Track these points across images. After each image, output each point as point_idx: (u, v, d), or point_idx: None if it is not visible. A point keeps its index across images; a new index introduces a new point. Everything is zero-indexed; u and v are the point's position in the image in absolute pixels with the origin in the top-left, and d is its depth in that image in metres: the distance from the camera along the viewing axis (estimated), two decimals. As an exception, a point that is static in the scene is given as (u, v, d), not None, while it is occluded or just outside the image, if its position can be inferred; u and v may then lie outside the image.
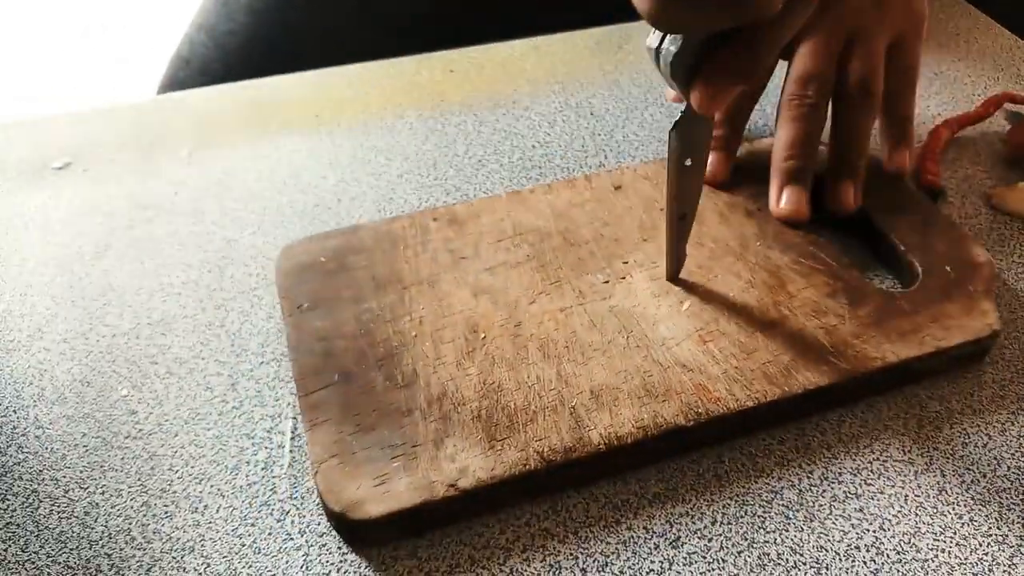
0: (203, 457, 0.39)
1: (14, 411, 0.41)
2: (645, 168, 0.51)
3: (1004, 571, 0.35)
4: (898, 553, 0.36)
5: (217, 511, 0.38)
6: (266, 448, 0.40)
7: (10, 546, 0.36)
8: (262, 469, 0.39)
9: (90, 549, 0.36)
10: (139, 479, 0.39)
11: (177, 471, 0.39)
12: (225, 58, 0.72)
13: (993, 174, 0.54)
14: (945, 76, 0.63)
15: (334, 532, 0.37)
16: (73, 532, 0.37)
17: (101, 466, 0.39)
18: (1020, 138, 0.54)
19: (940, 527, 0.37)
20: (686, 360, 0.40)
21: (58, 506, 0.38)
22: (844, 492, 0.38)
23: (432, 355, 0.41)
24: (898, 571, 0.36)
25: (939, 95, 0.61)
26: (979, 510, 0.38)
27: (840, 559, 0.36)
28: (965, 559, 0.36)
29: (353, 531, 0.36)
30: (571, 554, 0.36)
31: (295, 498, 0.38)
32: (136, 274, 0.48)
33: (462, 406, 0.38)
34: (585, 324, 0.42)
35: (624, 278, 0.45)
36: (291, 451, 0.40)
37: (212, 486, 0.38)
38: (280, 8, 0.72)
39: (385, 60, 0.64)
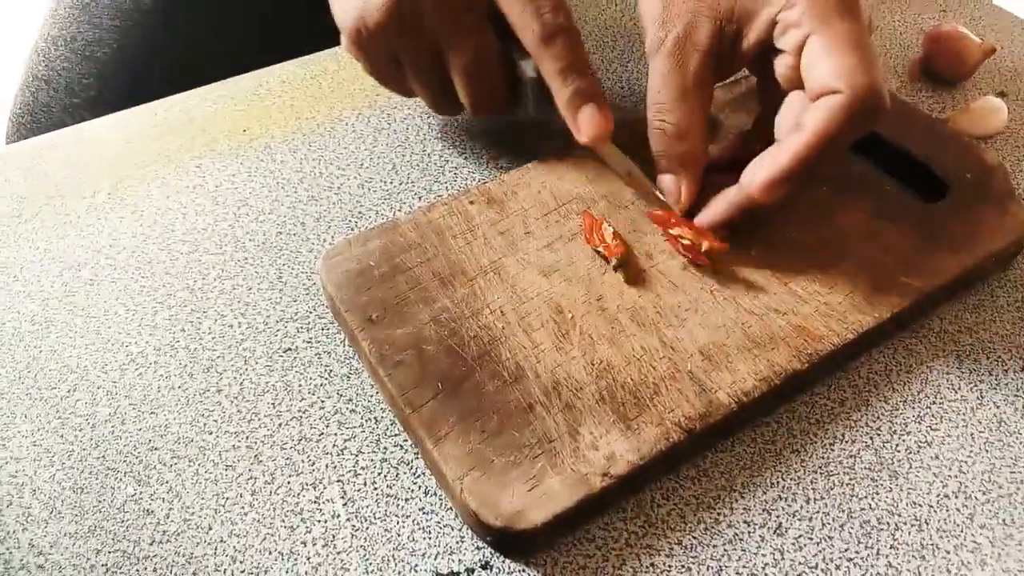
0: (250, 548, 0.35)
1: (0, 540, 0.35)
2: None
3: (1081, 489, 0.37)
4: (984, 493, 0.37)
5: (287, 606, 0.33)
6: (319, 521, 0.35)
7: None
8: (323, 547, 0.35)
9: None
10: (182, 589, 0.33)
11: (226, 570, 0.34)
12: (97, 72, 0.63)
13: (940, 99, 0.56)
14: None
15: (428, 600, 0.33)
16: (124, 670, 0.31)
17: (132, 584, 0.33)
18: (936, 47, 0.56)
19: (1011, 458, 0.38)
20: (776, 304, 0.41)
21: (95, 644, 0.32)
22: (915, 442, 0.38)
23: (528, 344, 0.39)
24: (989, 511, 0.36)
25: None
26: (1039, 434, 0.39)
27: (935, 511, 0.36)
28: (1046, 486, 0.37)
29: (516, 543, 0.34)
30: (732, 508, 0.35)
31: (372, 571, 0.34)
32: (94, 348, 0.41)
33: (580, 391, 0.37)
34: (665, 286, 0.41)
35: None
36: (349, 518, 0.35)
37: (272, 579, 0.34)
38: (158, 9, 0.63)
39: (301, 58, 0.58)
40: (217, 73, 0.56)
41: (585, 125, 0.43)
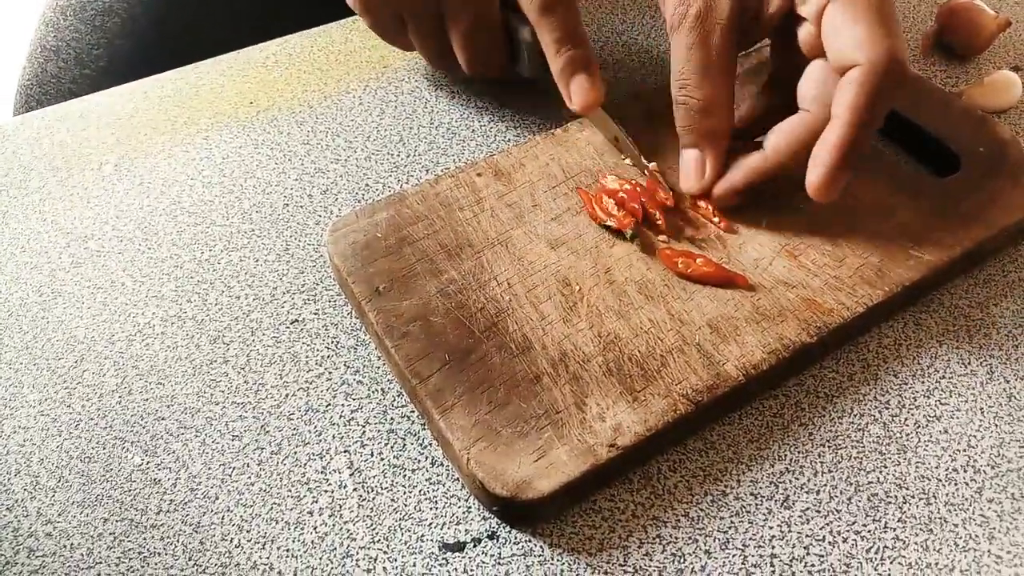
0: (257, 517, 0.35)
1: (7, 508, 0.35)
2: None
3: (1092, 464, 0.37)
4: (992, 467, 0.36)
5: None
6: (326, 492, 0.35)
7: (62, 671, 0.31)
8: (330, 517, 0.35)
9: (160, 652, 0.31)
10: (190, 558, 0.33)
11: (232, 539, 0.34)
12: (107, 42, 0.63)
13: (954, 72, 0.55)
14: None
15: (434, 570, 0.33)
16: (132, 636, 0.32)
17: (139, 552, 0.34)
18: (951, 20, 0.55)
19: (1021, 433, 0.38)
20: (786, 277, 0.40)
21: (104, 610, 0.32)
22: (925, 416, 0.38)
23: (535, 316, 0.39)
24: (998, 485, 0.36)
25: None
26: (1050, 409, 0.38)
27: (944, 484, 0.36)
28: (1056, 460, 0.37)
29: (522, 513, 0.34)
30: (739, 480, 0.35)
31: (379, 541, 0.34)
32: (101, 319, 0.41)
33: (587, 363, 0.37)
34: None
35: (689, 207, 0.44)
36: (355, 488, 0.35)
37: (279, 548, 0.34)
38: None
39: (308, 30, 0.57)
40: (226, 44, 0.56)
41: (576, 93, 0.44)
